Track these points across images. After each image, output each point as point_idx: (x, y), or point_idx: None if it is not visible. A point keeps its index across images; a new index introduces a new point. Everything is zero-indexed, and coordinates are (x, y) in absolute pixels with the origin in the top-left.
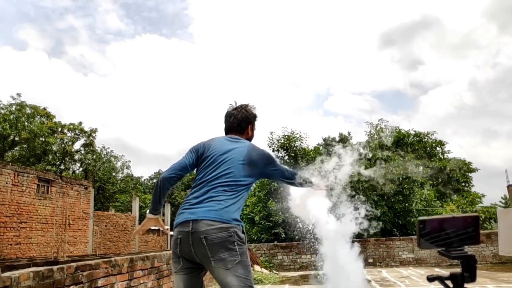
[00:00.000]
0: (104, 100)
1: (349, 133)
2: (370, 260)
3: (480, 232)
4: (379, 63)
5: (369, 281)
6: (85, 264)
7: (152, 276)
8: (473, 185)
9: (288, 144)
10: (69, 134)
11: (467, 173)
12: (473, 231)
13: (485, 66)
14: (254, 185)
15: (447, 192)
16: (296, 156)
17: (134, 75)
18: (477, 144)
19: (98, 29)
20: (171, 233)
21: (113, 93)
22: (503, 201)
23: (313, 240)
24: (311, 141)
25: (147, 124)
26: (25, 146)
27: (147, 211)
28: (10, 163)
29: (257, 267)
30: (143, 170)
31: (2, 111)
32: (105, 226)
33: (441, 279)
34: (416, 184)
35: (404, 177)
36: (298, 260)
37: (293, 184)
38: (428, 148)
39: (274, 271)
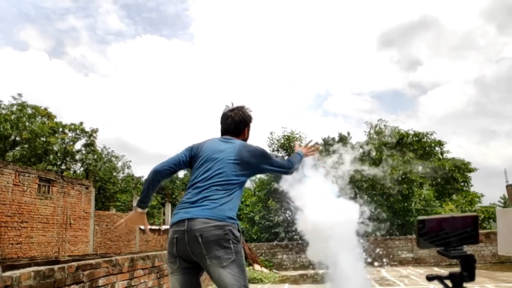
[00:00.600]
0: (105, 100)
1: (348, 133)
2: (369, 260)
3: (479, 231)
4: (378, 64)
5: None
6: (86, 264)
7: (152, 276)
8: (472, 185)
9: (288, 144)
10: (70, 134)
11: (466, 173)
12: (472, 231)
13: (484, 66)
14: (254, 184)
15: (446, 192)
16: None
17: (134, 76)
18: (476, 144)
19: (99, 30)
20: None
21: (114, 94)
22: (502, 200)
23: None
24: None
25: (148, 124)
26: (26, 146)
27: (135, 204)
28: (11, 163)
29: (257, 266)
30: (144, 170)
31: (3, 111)
32: (106, 225)
33: (440, 278)
34: (416, 183)
35: (403, 176)
36: (298, 260)
37: (290, 173)
38: (427, 148)
39: (274, 270)
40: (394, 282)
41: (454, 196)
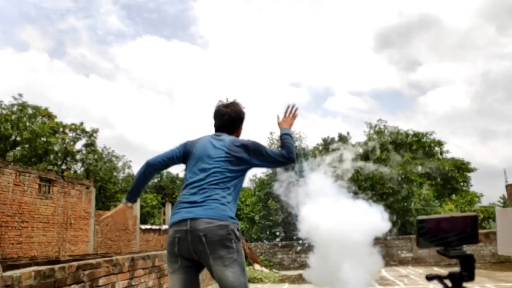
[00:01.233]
0: (105, 100)
1: (348, 133)
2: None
3: (478, 231)
4: (377, 64)
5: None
6: (87, 263)
7: (153, 275)
8: (471, 185)
9: None
10: (70, 134)
11: (465, 173)
12: (472, 231)
13: (483, 66)
14: (254, 184)
15: (446, 192)
16: (296, 156)
17: (135, 76)
18: (476, 144)
19: (99, 30)
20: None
21: (114, 94)
22: (502, 200)
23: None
24: (310, 141)
25: (148, 124)
26: (26, 146)
27: (124, 198)
28: (12, 163)
29: (257, 266)
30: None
31: (4, 111)
32: (107, 225)
33: (440, 278)
34: (415, 183)
35: (403, 176)
36: (298, 259)
37: (291, 162)
38: (426, 148)
39: (273, 270)
40: (393, 282)
41: (453, 196)
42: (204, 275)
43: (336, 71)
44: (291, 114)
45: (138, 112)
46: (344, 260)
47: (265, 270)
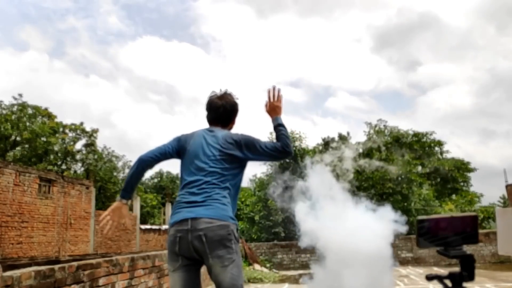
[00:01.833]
0: (105, 100)
1: (348, 133)
2: None
3: (478, 231)
4: (377, 64)
5: None
6: (86, 263)
7: (153, 275)
8: (471, 185)
9: None
10: (70, 134)
11: (465, 173)
12: (472, 231)
13: (483, 66)
14: (254, 184)
15: (446, 192)
16: (295, 156)
17: (135, 76)
18: (476, 144)
19: (99, 30)
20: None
21: (114, 94)
22: (502, 200)
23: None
24: (310, 141)
25: (148, 124)
26: (26, 146)
27: (118, 195)
28: (12, 163)
29: (257, 266)
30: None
31: (4, 111)
32: (105, 226)
33: (440, 278)
34: (415, 183)
35: (403, 176)
36: (298, 259)
37: (289, 154)
38: (426, 148)
39: (273, 270)
40: (393, 282)
41: (453, 196)
42: (205, 275)
43: (336, 71)
44: (275, 98)
45: (138, 112)
46: (353, 275)
47: (265, 270)
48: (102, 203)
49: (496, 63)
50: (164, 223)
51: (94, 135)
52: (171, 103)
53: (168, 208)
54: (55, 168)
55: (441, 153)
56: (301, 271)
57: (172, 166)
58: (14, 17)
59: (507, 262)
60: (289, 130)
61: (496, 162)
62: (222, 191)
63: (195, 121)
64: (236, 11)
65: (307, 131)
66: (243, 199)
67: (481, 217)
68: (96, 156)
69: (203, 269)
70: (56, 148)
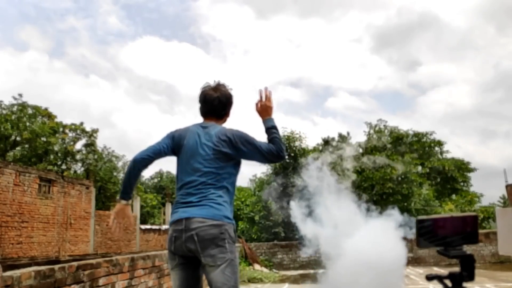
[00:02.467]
0: (105, 100)
1: (348, 133)
2: None
3: (478, 231)
4: (377, 64)
5: None
6: (86, 263)
7: (153, 275)
8: (471, 185)
9: (288, 144)
10: (70, 134)
11: (465, 173)
12: (472, 231)
13: (483, 66)
14: (254, 184)
15: (446, 192)
16: (296, 156)
17: (135, 76)
18: (476, 144)
19: (99, 30)
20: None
21: (114, 94)
22: (502, 200)
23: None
24: (310, 141)
25: (148, 124)
26: (26, 146)
27: (118, 197)
28: (12, 163)
29: (257, 266)
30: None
31: (4, 112)
32: (106, 225)
33: (440, 278)
34: (415, 183)
35: (403, 177)
36: (298, 259)
37: (282, 158)
38: (426, 148)
39: (274, 270)
40: None
41: (453, 196)
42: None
43: (335, 71)
44: (265, 98)
45: (138, 112)
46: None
47: (265, 270)
48: (102, 203)
49: (496, 63)
50: (164, 223)
51: (94, 135)
52: (171, 103)
53: (168, 208)
54: (55, 168)
55: (441, 153)
56: (301, 271)
57: (172, 166)
58: (14, 17)
59: (507, 262)
60: (289, 130)
61: (496, 162)
62: (217, 190)
63: (195, 121)
64: (236, 11)
65: (307, 131)
66: (243, 199)
67: (481, 217)
68: (96, 156)
69: None
70: (56, 148)
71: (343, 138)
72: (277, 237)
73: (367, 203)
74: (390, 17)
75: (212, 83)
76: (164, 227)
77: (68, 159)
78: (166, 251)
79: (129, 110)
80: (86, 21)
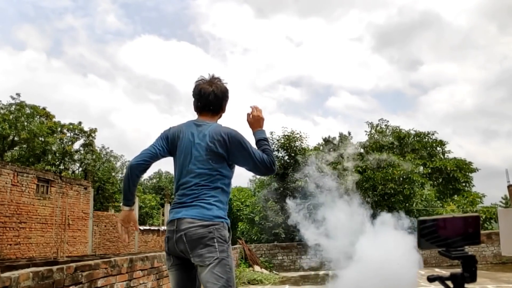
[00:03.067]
0: (103, 100)
1: (349, 133)
2: None
3: (480, 232)
4: (378, 63)
5: None
6: (85, 265)
7: (151, 277)
8: (473, 185)
9: (288, 144)
10: (68, 134)
11: (467, 173)
12: (474, 231)
13: (485, 66)
14: (254, 185)
15: (448, 192)
16: (296, 156)
17: (133, 75)
18: (477, 144)
19: (97, 29)
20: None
21: (113, 93)
22: (504, 201)
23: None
24: (311, 141)
25: (148, 124)
26: (24, 146)
27: (121, 204)
28: (10, 163)
29: (257, 268)
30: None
31: (2, 111)
32: (105, 226)
33: (441, 279)
34: (417, 184)
35: (404, 177)
36: (298, 261)
37: (273, 172)
38: (428, 148)
39: (274, 271)
40: None
41: (455, 197)
42: None
43: (336, 70)
44: (257, 112)
45: (137, 111)
46: None
47: (265, 271)
48: (101, 203)
49: (498, 63)
50: (163, 223)
51: (93, 135)
52: (170, 102)
53: (167, 208)
54: (53, 168)
55: (443, 153)
56: (301, 273)
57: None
58: (12, 16)
59: (509, 263)
60: (289, 130)
61: (498, 162)
62: (210, 191)
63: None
64: (235, 10)
65: (308, 130)
66: (243, 200)
67: (483, 217)
68: (94, 156)
69: None
70: (54, 148)
71: (344, 138)
72: (277, 238)
73: (372, 208)
74: (391, 16)
75: (206, 76)
76: (163, 228)
77: (66, 159)
78: (165, 252)
79: (127, 109)
80: (85, 20)
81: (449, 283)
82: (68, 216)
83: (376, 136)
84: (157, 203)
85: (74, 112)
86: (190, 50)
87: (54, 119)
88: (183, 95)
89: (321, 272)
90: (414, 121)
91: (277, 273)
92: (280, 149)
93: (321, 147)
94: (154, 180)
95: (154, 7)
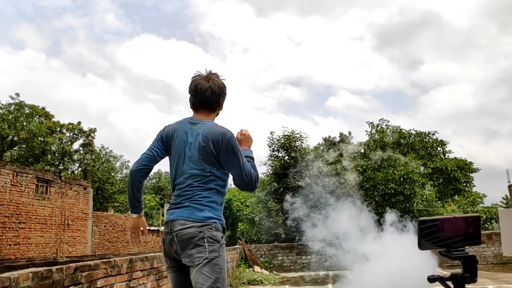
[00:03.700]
0: (102, 99)
1: (349, 133)
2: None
3: (481, 232)
4: (379, 63)
5: None
6: (84, 265)
7: (151, 277)
8: (474, 185)
9: (288, 144)
10: (68, 134)
11: (468, 173)
12: (474, 232)
13: (485, 65)
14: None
15: (448, 193)
16: (296, 156)
17: (133, 75)
18: (478, 144)
19: (96, 29)
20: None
21: (112, 93)
22: (504, 201)
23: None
24: (311, 141)
25: (147, 124)
26: (24, 146)
27: (129, 212)
28: (9, 163)
29: (257, 268)
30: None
31: (1, 111)
32: (104, 226)
33: (442, 279)
34: (417, 184)
35: (405, 177)
36: (299, 261)
37: (254, 190)
38: (429, 148)
39: (274, 272)
40: None
41: (456, 197)
42: None
43: (337, 70)
44: (247, 132)
45: (136, 111)
46: None
47: (265, 272)
48: (100, 203)
49: (499, 62)
50: (162, 224)
51: (92, 135)
52: (169, 102)
53: (167, 209)
54: (53, 168)
55: (444, 153)
56: (302, 273)
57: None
58: (11, 16)
59: (509, 263)
60: (289, 130)
61: (498, 162)
62: (203, 192)
63: None
64: (235, 9)
65: (308, 130)
66: (243, 200)
67: (483, 218)
68: (93, 156)
69: None
70: (53, 148)
71: (344, 138)
72: (277, 238)
73: (376, 207)
74: (392, 15)
75: (203, 72)
76: (162, 228)
77: (66, 159)
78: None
79: (127, 109)
80: (84, 20)
81: (449, 283)
82: (68, 216)
83: (376, 136)
84: (157, 203)
85: (73, 112)
86: (189, 50)
87: (53, 119)
88: (183, 95)
89: (322, 273)
90: (415, 121)
91: (277, 273)
92: (280, 149)
93: (322, 147)
94: (154, 180)
95: (154, 7)
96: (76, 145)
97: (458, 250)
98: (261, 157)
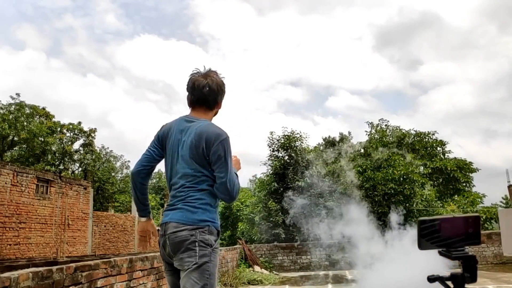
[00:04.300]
0: (103, 100)
1: (349, 133)
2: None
3: (481, 232)
4: (378, 63)
5: None
6: (85, 265)
7: (151, 277)
8: (473, 185)
9: (288, 144)
10: (68, 134)
11: (467, 173)
12: (474, 232)
13: (485, 65)
14: (254, 185)
15: (448, 193)
16: (296, 156)
17: (133, 75)
18: (478, 144)
19: (97, 29)
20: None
21: (112, 93)
22: (504, 201)
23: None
24: (311, 141)
25: (147, 124)
26: (24, 146)
27: (137, 216)
28: (9, 163)
29: (257, 268)
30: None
31: (1, 111)
32: (105, 226)
33: (441, 279)
34: (417, 184)
35: (404, 177)
36: (299, 261)
37: (232, 201)
38: (428, 148)
39: (274, 271)
40: None
41: (456, 197)
42: None
43: (336, 70)
44: (235, 159)
45: (136, 111)
46: None
47: (265, 272)
48: (100, 203)
49: (498, 62)
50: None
51: (92, 135)
52: (170, 102)
53: None
54: (53, 168)
55: (444, 153)
56: (302, 273)
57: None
58: (11, 16)
59: (509, 263)
60: (289, 130)
61: (498, 162)
62: (196, 193)
63: None
64: (235, 9)
65: (308, 130)
66: (243, 200)
67: (483, 217)
68: (94, 156)
69: None
70: (53, 148)
71: (344, 138)
72: (277, 238)
73: (378, 206)
74: (391, 15)
75: (202, 69)
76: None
77: (66, 159)
78: None
79: (127, 109)
80: (84, 20)
81: (449, 283)
82: (68, 216)
83: (376, 136)
84: (157, 203)
85: (73, 112)
86: (189, 50)
87: (53, 119)
88: (183, 95)
89: (321, 272)
90: (414, 121)
91: (277, 273)
92: (280, 149)
93: (321, 147)
94: (154, 180)
95: (154, 7)
96: (76, 145)
97: (458, 250)
98: (261, 157)
